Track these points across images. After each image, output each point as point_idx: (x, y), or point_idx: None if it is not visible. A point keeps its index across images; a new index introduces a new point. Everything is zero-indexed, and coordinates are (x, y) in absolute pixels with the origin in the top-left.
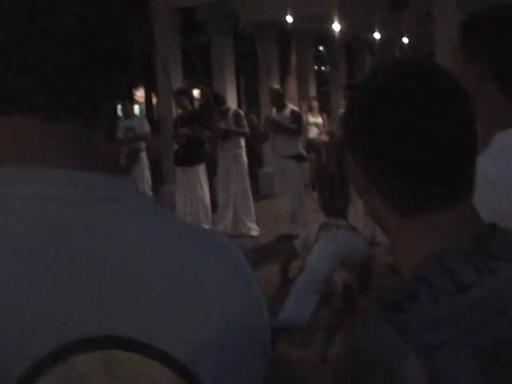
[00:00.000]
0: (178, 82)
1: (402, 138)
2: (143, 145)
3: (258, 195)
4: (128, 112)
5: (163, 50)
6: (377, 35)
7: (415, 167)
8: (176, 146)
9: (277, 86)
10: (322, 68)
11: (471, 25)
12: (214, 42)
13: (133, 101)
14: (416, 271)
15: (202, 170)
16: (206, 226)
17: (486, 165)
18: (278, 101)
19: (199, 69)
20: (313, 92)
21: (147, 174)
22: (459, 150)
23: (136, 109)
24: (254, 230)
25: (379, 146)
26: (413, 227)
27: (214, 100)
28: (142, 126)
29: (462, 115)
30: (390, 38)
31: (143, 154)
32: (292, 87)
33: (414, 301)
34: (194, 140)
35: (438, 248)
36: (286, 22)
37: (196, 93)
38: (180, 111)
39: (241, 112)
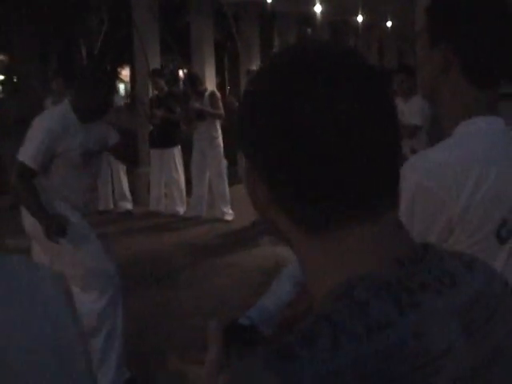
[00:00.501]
0: (155, 62)
1: (311, 136)
2: None
3: (236, 179)
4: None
5: (141, 28)
6: (360, 18)
7: (325, 173)
8: (151, 128)
9: (255, 67)
10: None
11: (436, 5)
12: (194, 21)
13: (117, 79)
14: (319, 305)
15: (177, 152)
16: (181, 210)
17: (446, 154)
18: None
19: (175, 49)
20: None
21: None
22: (379, 150)
23: (121, 87)
24: (229, 215)
25: (280, 145)
26: (321, 247)
27: (189, 80)
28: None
29: (382, 105)
30: (374, 22)
31: None
32: None
33: (309, 345)
34: (170, 122)
35: (348, 275)
36: (266, 2)
37: (181, 73)
38: (156, 92)
39: (217, 93)
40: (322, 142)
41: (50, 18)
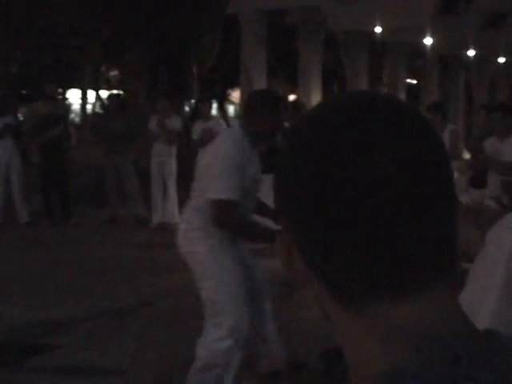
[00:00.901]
0: (261, 86)
1: (355, 205)
2: None
3: None
4: (206, 113)
5: (249, 52)
6: (471, 52)
7: (369, 244)
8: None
9: None
10: (414, 81)
11: None
12: (303, 47)
13: (227, 101)
14: None
15: (271, 178)
16: None
17: None
18: None
19: (281, 74)
20: None
21: None
22: (432, 217)
23: (231, 109)
24: None
25: (320, 215)
26: (362, 326)
27: (293, 107)
28: (220, 128)
29: (435, 165)
30: (486, 57)
31: None
32: None
33: None
34: (273, 148)
35: (392, 362)
36: (375, 32)
37: (292, 98)
38: None
39: None
40: (369, 211)
41: (161, 38)
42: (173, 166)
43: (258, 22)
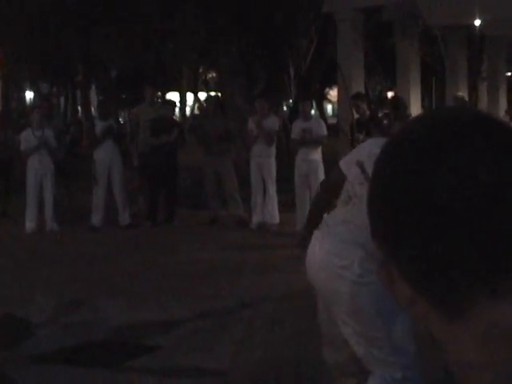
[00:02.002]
0: (359, 84)
1: (459, 216)
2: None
3: None
4: (307, 113)
5: (346, 50)
6: None
7: (471, 251)
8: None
9: (461, 93)
10: None
11: None
12: (399, 43)
13: (324, 100)
14: None
15: None
16: None
17: None
18: None
19: (380, 71)
20: (503, 99)
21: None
22: None
23: (329, 108)
24: None
25: (423, 230)
26: (467, 332)
27: (392, 104)
28: (319, 127)
29: None
30: None
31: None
32: (482, 94)
33: None
34: None
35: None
36: (474, 25)
37: (390, 95)
38: (357, 116)
39: None
40: (472, 219)
41: (257, 38)
42: (272, 166)
43: (354, 19)
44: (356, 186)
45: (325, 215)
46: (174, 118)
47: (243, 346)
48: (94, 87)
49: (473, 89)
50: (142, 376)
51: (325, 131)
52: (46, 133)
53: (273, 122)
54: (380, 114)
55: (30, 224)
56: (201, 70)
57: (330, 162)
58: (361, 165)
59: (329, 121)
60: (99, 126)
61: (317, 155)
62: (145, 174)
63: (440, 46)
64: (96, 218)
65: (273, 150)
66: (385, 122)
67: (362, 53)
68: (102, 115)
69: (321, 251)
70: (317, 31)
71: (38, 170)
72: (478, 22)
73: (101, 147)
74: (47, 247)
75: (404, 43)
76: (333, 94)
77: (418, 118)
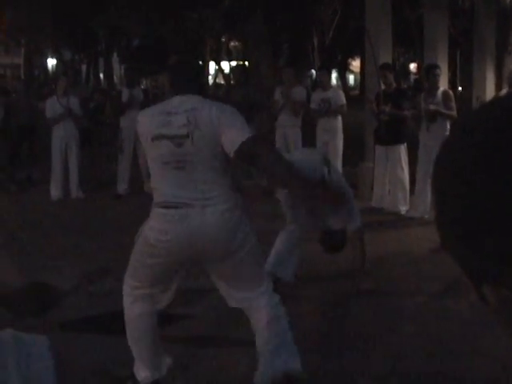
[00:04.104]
0: (387, 56)
1: None
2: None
3: None
4: (325, 83)
5: (373, 21)
6: None
7: None
8: (377, 123)
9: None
10: None
11: None
12: (428, 15)
13: (348, 70)
14: None
15: (403, 149)
16: (403, 209)
17: None
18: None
19: (406, 42)
20: None
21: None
22: None
23: (351, 78)
24: None
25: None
26: None
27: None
28: (338, 97)
29: None
30: None
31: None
32: (508, 68)
33: None
34: (397, 118)
35: None
36: None
37: (413, 67)
38: (384, 87)
39: (450, 92)
40: None
41: (282, 8)
42: (298, 136)
43: None
44: None
45: None
46: None
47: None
48: (115, 55)
49: (500, 63)
50: (169, 345)
51: (343, 100)
52: (70, 100)
53: (300, 92)
54: (404, 86)
55: (55, 192)
56: (223, 39)
57: (355, 134)
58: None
59: (350, 92)
60: (126, 93)
61: (337, 123)
62: None
63: (470, 18)
64: (121, 187)
65: (299, 120)
66: (409, 93)
67: (389, 23)
68: (129, 83)
69: None
70: (341, 2)
71: (63, 138)
72: None
73: (127, 115)
74: (73, 215)
75: (432, 15)
76: (355, 64)
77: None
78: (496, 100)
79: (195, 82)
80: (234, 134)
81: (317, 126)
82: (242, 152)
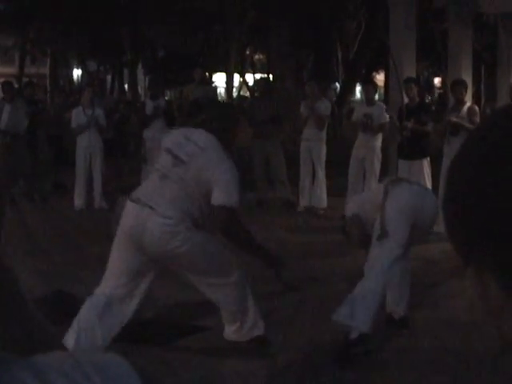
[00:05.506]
0: (411, 70)
1: None
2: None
3: None
4: (369, 98)
5: (398, 35)
6: None
7: None
8: (400, 138)
9: None
10: None
11: None
12: (452, 30)
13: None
14: None
15: (426, 164)
16: None
17: None
18: None
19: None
20: None
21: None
22: None
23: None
24: None
25: None
26: None
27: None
28: (381, 114)
29: None
30: None
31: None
32: None
33: None
34: (420, 133)
35: None
36: None
37: (437, 81)
38: (407, 100)
39: (476, 108)
40: None
41: (306, 21)
42: (322, 150)
43: (407, 3)
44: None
45: None
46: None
47: (291, 329)
48: (140, 66)
49: None
50: (190, 355)
51: (386, 118)
52: (96, 111)
53: (325, 106)
54: (427, 100)
55: (78, 201)
56: (248, 52)
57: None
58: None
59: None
60: (149, 105)
61: (375, 141)
62: None
63: (493, 33)
64: None
65: (323, 133)
66: (432, 108)
67: (414, 37)
68: (153, 94)
69: None
70: (365, 15)
71: (88, 148)
72: None
73: (151, 126)
74: (96, 224)
75: (457, 29)
76: (379, 78)
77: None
78: (507, 107)
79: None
80: (218, 192)
81: (356, 140)
82: (216, 212)
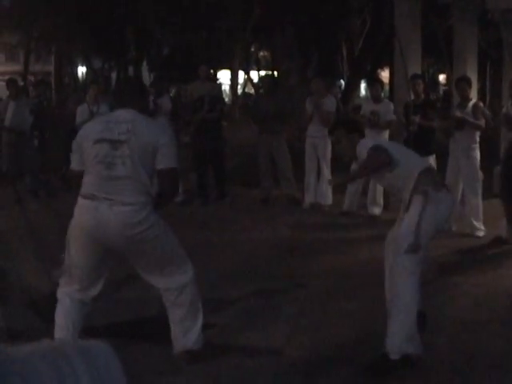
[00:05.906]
0: (416, 67)
1: None
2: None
3: (490, 193)
4: (376, 95)
5: (403, 32)
6: None
7: None
8: (406, 134)
9: None
10: None
11: None
12: (457, 27)
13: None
14: None
15: (432, 160)
16: None
17: None
18: None
19: (435, 53)
20: None
21: None
22: None
23: None
24: (480, 231)
25: None
26: None
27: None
28: (388, 112)
29: None
30: None
31: None
32: None
33: None
34: (426, 129)
35: None
36: None
37: (442, 78)
38: (413, 97)
39: (481, 104)
40: None
41: (311, 18)
42: (327, 147)
43: (412, 0)
44: None
45: None
46: (216, 94)
47: (296, 325)
48: (145, 64)
49: None
50: (192, 353)
51: (392, 116)
52: (101, 108)
53: (331, 103)
54: (434, 97)
55: None
56: (252, 49)
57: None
58: None
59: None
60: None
61: (382, 138)
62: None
63: (499, 30)
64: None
65: None
66: (438, 104)
67: (419, 34)
68: (158, 92)
69: None
70: (370, 12)
71: None
72: None
73: None
74: None
75: (462, 26)
76: (384, 75)
77: None
78: None
79: (138, 99)
80: (163, 156)
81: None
82: (159, 175)
